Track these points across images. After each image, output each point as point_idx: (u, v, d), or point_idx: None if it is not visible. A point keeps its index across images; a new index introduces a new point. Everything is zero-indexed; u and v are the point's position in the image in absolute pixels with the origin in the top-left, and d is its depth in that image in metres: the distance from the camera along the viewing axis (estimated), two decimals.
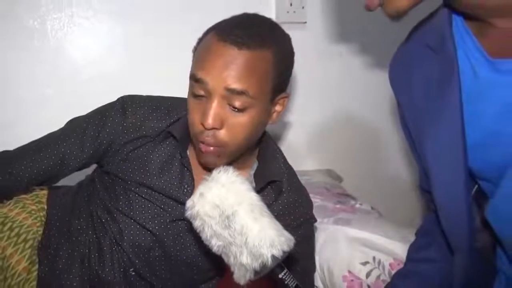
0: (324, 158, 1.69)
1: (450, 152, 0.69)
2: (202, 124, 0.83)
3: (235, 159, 0.91)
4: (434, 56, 0.72)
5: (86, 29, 1.40)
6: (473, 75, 0.66)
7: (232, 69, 0.81)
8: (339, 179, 1.62)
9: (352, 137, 1.72)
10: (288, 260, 0.68)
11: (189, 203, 0.69)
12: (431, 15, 0.76)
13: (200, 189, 0.69)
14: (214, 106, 0.82)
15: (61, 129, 0.98)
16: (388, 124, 1.71)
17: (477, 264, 0.74)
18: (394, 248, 1.05)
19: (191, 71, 0.86)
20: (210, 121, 0.81)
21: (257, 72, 0.83)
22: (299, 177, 1.43)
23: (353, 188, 1.59)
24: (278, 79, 0.87)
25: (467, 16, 0.67)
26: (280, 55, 0.86)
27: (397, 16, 0.64)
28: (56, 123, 1.00)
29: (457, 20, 0.68)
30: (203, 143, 0.85)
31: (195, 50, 0.89)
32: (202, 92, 0.83)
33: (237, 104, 0.82)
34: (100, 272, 0.95)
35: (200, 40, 0.89)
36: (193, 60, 0.87)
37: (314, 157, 1.68)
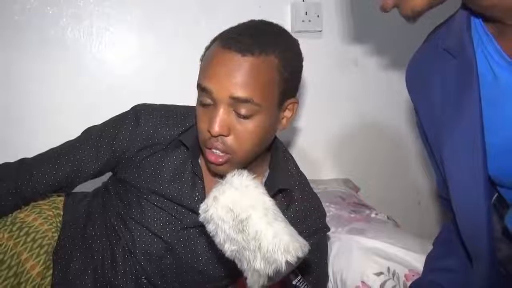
0: (342, 167, 1.68)
1: (469, 158, 0.67)
2: (209, 132, 0.83)
3: (246, 166, 0.90)
4: (452, 59, 0.70)
5: (105, 40, 1.43)
6: (493, 78, 0.64)
7: (236, 76, 0.81)
8: (356, 188, 1.61)
9: (369, 146, 1.70)
10: (302, 267, 0.66)
11: (202, 206, 0.69)
12: (448, 19, 0.75)
13: (214, 192, 0.68)
14: (220, 114, 0.82)
15: (77, 138, 1.00)
16: (406, 132, 1.69)
17: (497, 274, 0.72)
18: (410, 259, 1.02)
19: (197, 80, 0.86)
20: (216, 128, 0.81)
21: (262, 79, 0.82)
22: (316, 186, 1.44)
23: (371, 197, 1.58)
24: (285, 85, 0.86)
25: (486, 18, 0.66)
26: (286, 60, 0.85)
27: (412, 17, 0.63)
28: (74, 131, 1.02)
29: (476, 23, 0.67)
30: (210, 149, 0.85)
31: (202, 58, 0.89)
32: (208, 101, 0.83)
33: (243, 111, 0.82)
34: (112, 279, 0.95)
35: (207, 49, 0.89)
36: (199, 69, 0.88)
37: (332, 166, 1.68)
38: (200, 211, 0.69)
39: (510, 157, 0.65)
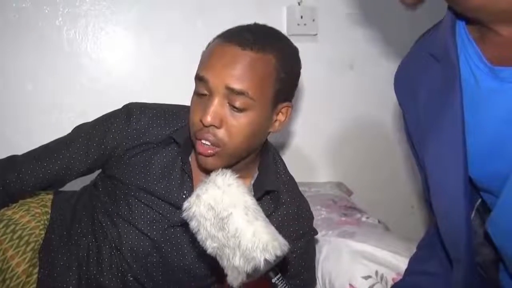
0: (336, 170, 1.68)
1: (450, 161, 0.67)
2: (202, 122, 0.83)
3: (235, 165, 0.90)
4: (437, 64, 0.71)
5: (100, 40, 1.44)
6: (475, 82, 0.65)
7: (234, 68, 0.82)
8: (349, 192, 1.61)
9: (364, 149, 1.71)
10: (282, 266, 0.67)
11: (185, 204, 0.69)
12: (436, 25, 0.76)
13: (197, 191, 0.69)
14: (215, 104, 0.83)
15: (68, 135, 1.00)
16: (401, 136, 1.68)
17: (477, 278, 0.72)
18: (398, 262, 1.03)
19: (196, 72, 0.87)
20: (209, 118, 0.82)
21: (258, 74, 0.83)
22: (308, 189, 1.44)
23: (365, 201, 1.57)
24: (281, 86, 0.86)
25: (469, 21, 0.66)
26: (284, 62, 0.86)
27: (413, 4, 0.63)
28: (69, 130, 1.02)
29: (460, 26, 0.67)
30: (200, 140, 0.85)
31: (203, 54, 0.90)
32: (205, 91, 0.84)
33: (237, 104, 0.82)
34: (98, 276, 0.95)
35: (208, 45, 0.90)
36: (199, 62, 0.89)
37: (326, 169, 1.68)
38: (183, 209, 0.70)
39: (490, 161, 0.65)
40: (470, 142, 0.65)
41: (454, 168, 0.66)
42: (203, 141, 0.85)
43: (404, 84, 0.81)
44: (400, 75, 0.83)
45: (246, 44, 0.83)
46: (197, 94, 0.86)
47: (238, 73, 0.82)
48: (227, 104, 0.83)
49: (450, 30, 0.68)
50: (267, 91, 0.85)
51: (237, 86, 0.82)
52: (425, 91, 0.73)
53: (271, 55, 0.84)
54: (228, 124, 0.84)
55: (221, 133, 0.84)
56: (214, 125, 0.83)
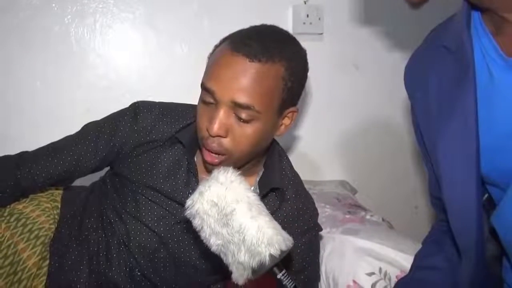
0: (341, 169, 1.69)
1: (463, 154, 0.67)
2: (208, 131, 0.84)
3: (241, 167, 0.91)
4: (450, 56, 0.70)
5: (108, 37, 1.45)
6: (489, 75, 0.64)
7: (241, 81, 0.82)
8: (353, 190, 1.61)
9: (369, 149, 1.71)
10: (287, 262, 0.67)
11: (188, 202, 0.70)
12: (450, 17, 0.75)
13: (200, 188, 0.70)
14: (221, 115, 0.83)
15: (77, 133, 1.02)
16: (406, 135, 1.69)
17: (484, 273, 0.72)
18: (402, 260, 1.03)
19: (202, 79, 0.87)
20: (215, 129, 0.83)
21: (265, 87, 0.83)
22: (313, 187, 1.45)
23: (369, 200, 1.58)
24: (288, 94, 0.87)
25: (484, 11, 0.65)
26: (292, 70, 0.86)
27: (418, 3, 0.63)
28: (77, 127, 1.03)
29: (476, 18, 0.67)
30: (207, 149, 0.86)
31: (209, 57, 0.90)
32: (211, 100, 0.85)
33: (243, 116, 0.83)
34: (107, 271, 0.97)
35: (215, 48, 0.90)
36: (206, 67, 0.89)
37: (331, 168, 1.68)
38: (186, 206, 0.70)
39: (500, 155, 0.65)
40: (483, 135, 0.65)
41: (467, 162, 0.66)
42: (210, 149, 0.86)
43: (414, 76, 0.80)
44: (410, 66, 0.82)
45: (253, 56, 0.82)
46: (203, 101, 0.87)
47: (245, 87, 0.82)
48: (233, 114, 0.84)
49: (465, 22, 0.67)
50: (274, 102, 0.85)
51: (243, 100, 0.82)
52: (436, 83, 0.73)
53: (279, 64, 0.84)
54: (234, 134, 0.84)
55: (226, 142, 0.85)
56: (220, 135, 0.84)
